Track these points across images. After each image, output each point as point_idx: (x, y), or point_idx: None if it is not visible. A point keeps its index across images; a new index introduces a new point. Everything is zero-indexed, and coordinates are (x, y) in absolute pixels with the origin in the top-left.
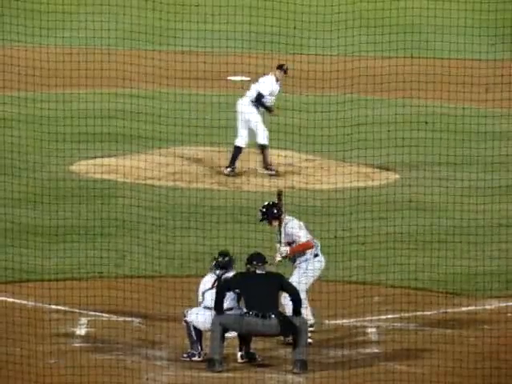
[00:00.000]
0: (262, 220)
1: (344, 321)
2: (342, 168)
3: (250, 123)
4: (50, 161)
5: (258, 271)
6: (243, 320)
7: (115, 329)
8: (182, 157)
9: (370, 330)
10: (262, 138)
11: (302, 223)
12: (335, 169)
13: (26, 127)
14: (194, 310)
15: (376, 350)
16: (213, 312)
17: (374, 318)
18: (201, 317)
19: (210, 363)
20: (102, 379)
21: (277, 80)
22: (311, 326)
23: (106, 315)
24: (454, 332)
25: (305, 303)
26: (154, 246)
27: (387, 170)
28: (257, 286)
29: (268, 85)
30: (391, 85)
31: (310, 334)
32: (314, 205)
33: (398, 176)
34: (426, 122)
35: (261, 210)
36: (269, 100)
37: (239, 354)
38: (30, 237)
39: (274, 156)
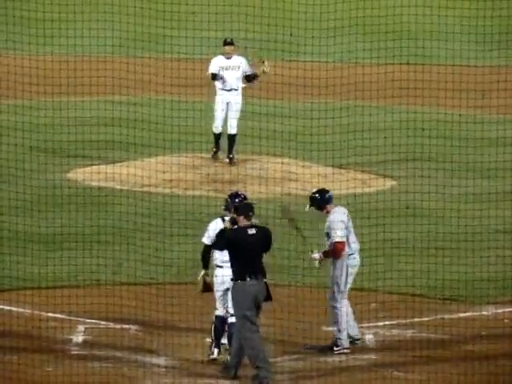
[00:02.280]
0: (311, 206)
1: None
2: (339, 175)
3: None
4: (47, 168)
5: (248, 231)
6: (246, 289)
7: (112, 336)
8: (179, 164)
9: (367, 337)
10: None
11: (345, 219)
12: (332, 175)
13: (22, 135)
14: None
15: (373, 357)
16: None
17: (372, 324)
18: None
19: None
20: None
21: (225, 55)
22: (358, 339)
23: (103, 322)
24: (451, 338)
25: (342, 312)
26: (151, 254)
27: (384, 176)
28: (248, 247)
29: (210, 67)
30: (387, 91)
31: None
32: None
33: (394, 182)
34: (423, 129)
35: (312, 197)
36: (225, 75)
37: (215, 350)
38: (27, 244)
39: (271, 163)
